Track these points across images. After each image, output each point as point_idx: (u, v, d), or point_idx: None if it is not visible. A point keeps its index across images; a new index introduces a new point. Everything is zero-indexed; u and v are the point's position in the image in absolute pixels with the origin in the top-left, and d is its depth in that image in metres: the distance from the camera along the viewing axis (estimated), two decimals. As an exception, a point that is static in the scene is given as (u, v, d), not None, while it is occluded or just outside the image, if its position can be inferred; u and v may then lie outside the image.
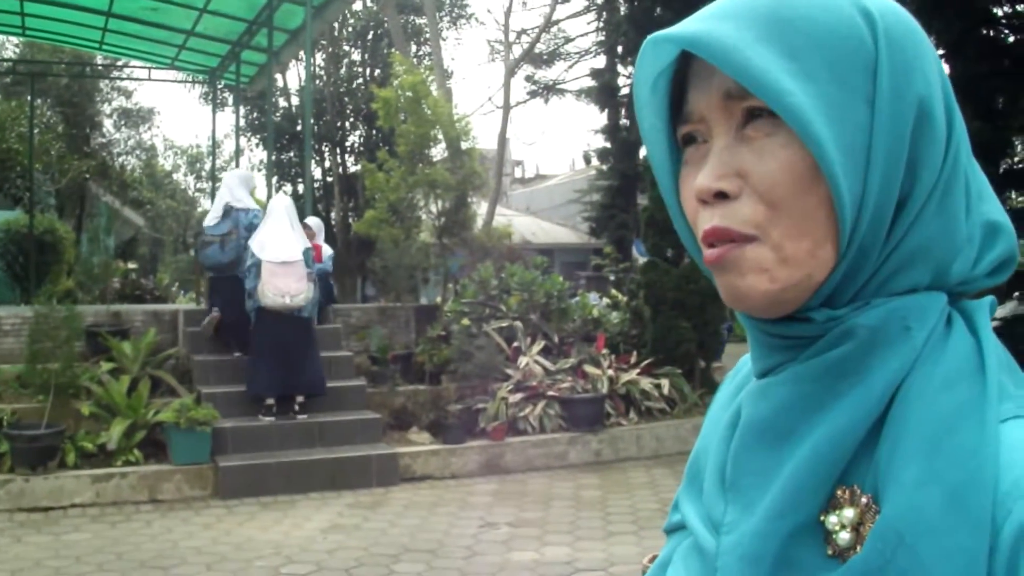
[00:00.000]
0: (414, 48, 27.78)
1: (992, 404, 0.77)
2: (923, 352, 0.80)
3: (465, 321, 11.55)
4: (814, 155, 0.79)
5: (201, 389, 10.30)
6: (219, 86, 21.16)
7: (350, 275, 26.18)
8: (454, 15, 30.69)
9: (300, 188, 26.68)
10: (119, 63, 22.68)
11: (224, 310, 10.82)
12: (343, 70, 29.13)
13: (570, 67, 39.80)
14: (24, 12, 14.97)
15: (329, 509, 8.78)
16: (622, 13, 25.46)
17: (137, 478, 9.01)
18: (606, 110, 28.31)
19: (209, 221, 10.93)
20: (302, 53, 15.58)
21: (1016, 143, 20.30)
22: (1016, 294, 16.38)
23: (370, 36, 28.74)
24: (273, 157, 21.16)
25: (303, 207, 13.22)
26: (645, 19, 21.43)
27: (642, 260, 14.84)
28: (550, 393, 10.83)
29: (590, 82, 29.49)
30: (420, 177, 13.48)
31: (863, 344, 0.81)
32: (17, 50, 25.32)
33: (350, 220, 25.89)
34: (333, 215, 28.13)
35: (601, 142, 29.46)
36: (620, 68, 27.71)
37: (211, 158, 24.10)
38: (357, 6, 28.26)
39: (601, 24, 29.31)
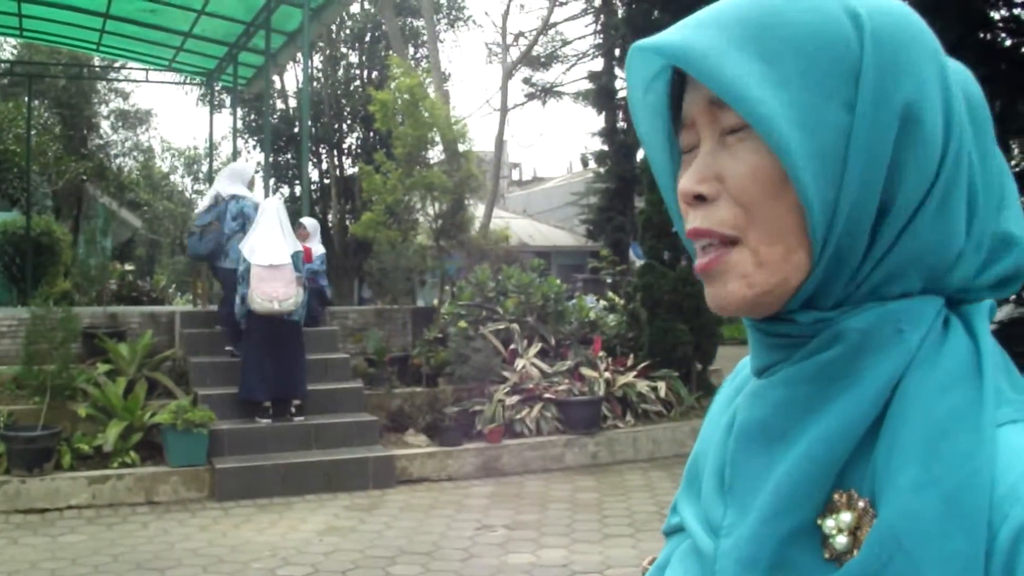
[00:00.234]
0: (412, 50, 27.77)
1: (989, 408, 0.77)
2: (919, 355, 0.80)
3: (462, 323, 11.56)
4: (782, 162, 0.79)
5: (198, 391, 10.29)
6: (216, 88, 21.15)
7: (347, 277, 26.18)
8: (452, 17, 30.70)
9: (297, 190, 26.75)
10: (116, 65, 22.63)
11: (222, 300, 11.06)
12: (340, 72, 29.12)
13: (567, 70, 39.81)
14: (22, 13, 14.95)
15: (325, 511, 8.77)
16: (619, 16, 25.45)
17: (133, 480, 9.00)
18: (603, 113, 28.34)
19: (197, 212, 11.07)
20: (299, 55, 15.61)
21: (1013, 146, 20.32)
22: (1012, 297, 16.39)
23: (368, 38, 28.73)
24: (270, 159, 21.13)
25: (300, 209, 13.24)
26: (643, 22, 21.40)
27: (639, 263, 14.85)
28: (547, 395, 10.82)
29: (587, 85, 29.53)
30: (417, 179, 13.49)
31: (853, 347, 0.81)
32: (14, 51, 25.32)
33: (347, 222, 25.87)
34: (330, 217, 28.12)
35: (598, 145, 29.50)
36: (618, 71, 27.72)
37: (208, 160, 24.07)
38: (355, 8, 28.26)
39: (599, 27, 29.35)
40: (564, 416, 10.77)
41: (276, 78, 26.47)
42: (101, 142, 29.91)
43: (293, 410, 10.17)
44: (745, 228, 0.82)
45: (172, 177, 36.64)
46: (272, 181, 24.32)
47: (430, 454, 10.07)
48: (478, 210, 19.53)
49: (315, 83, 27.41)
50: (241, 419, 10.00)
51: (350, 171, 28.00)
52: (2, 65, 24.68)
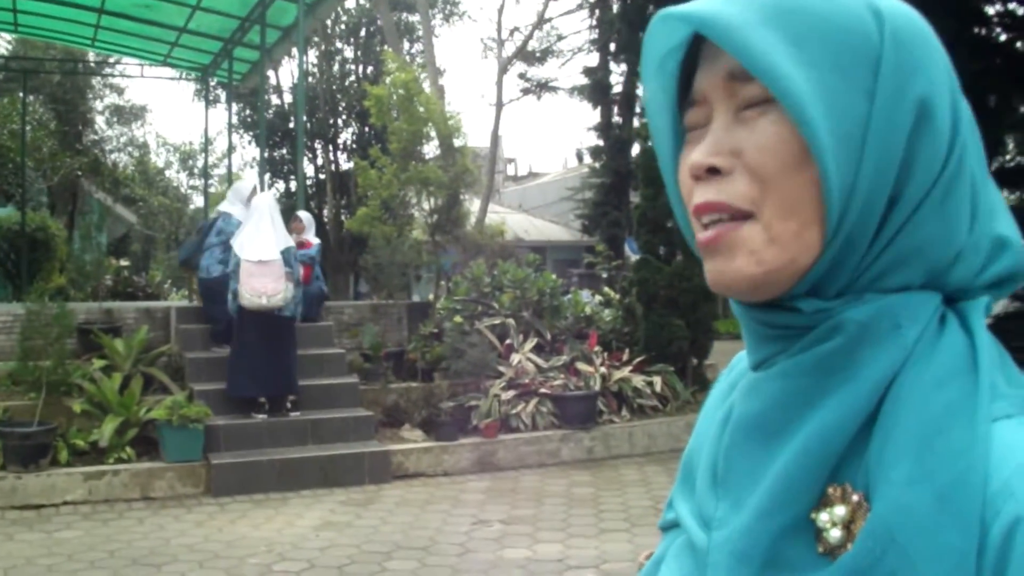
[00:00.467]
0: (407, 45, 27.74)
1: (983, 403, 0.77)
2: (914, 351, 0.80)
3: (458, 318, 11.57)
4: (805, 137, 0.79)
5: (193, 386, 10.29)
6: (212, 83, 21.16)
7: (342, 272, 26.17)
8: (447, 12, 30.65)
9: (292, 185, 26.67)
10: (111, 60, 22.61)
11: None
12: (336, 67, 29.08)
13: (563, 64, 39.89)
14: (16, 8, 14.93)
15: (321, 506, 8.78)
16: (615, 11, 25.44)
17: (129, 476, 9.00)
18: (599, 108, 28.29)
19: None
20: (295, 50, 15.60)
21: (1008, 141, 20.33)
22: (1008, 292, 16.40)
23: (363, 33, 28.70)
24: (265, 154, 21.09)
25: (295, 204, 13.23)
26: (638, 16, 21.39)
27: (634, 258, 14.85)
28: (542, 390, 10.83)
29: (583, 80, 29.48)
30: (413, 174, 13.48)
31: (852, 339, 0.81)
32: (9, 47, 25.22)
33: (343, 217, 25.87)
34: (326, 212, 28.09)
35: (594, 140, 29.45)
36: (613, 66, 27.70)
37: (203, 155, 24.07)
38: (350, 3, 28.26)
39: (594, 21, 29.29)
40: (560, 411, 10.78)
41: (271, 73, 26.46)
42: (96, 137, 29.81)
43: (289, 405, 10.17)
44: (760, 202, 0.82)
45: (167, 173, 36.50)
46: (267, 176, 24.30)
47: (426, 449, 10.07)
48: (473, 205, 19.57)
49: (310, 78, 27.38)
50: (237, 415, 9.99)
51: (345, 166, 27.98)
52: (-3, 60, 24.65)
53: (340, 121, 28.96)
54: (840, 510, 0.79)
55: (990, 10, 18.31)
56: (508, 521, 8.22)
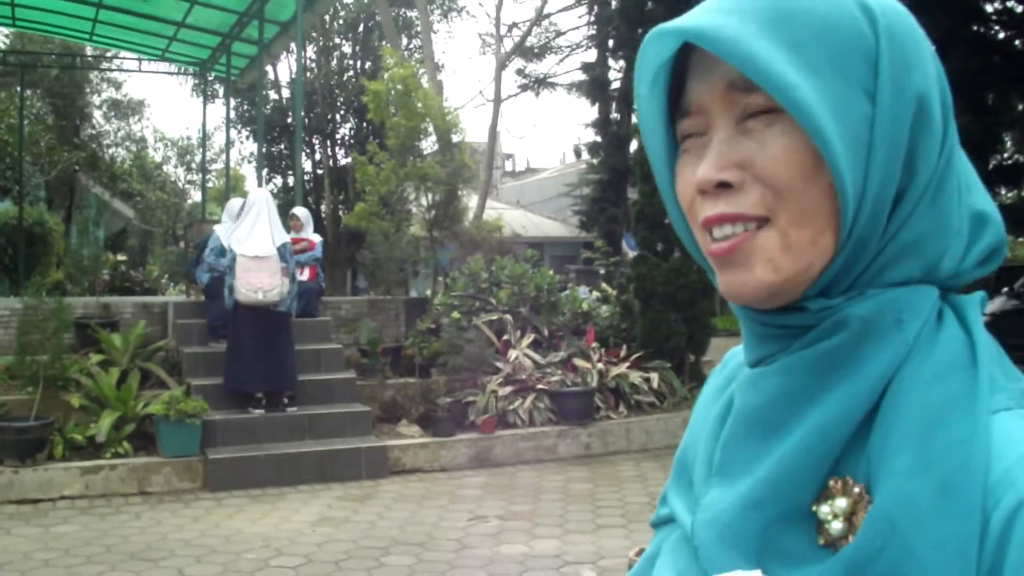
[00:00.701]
0: (405, 41, 27.70)
1: (983, 396, 0.78)
2: (915, 345, 0.81)
3: (455, 314, 11.56)
4: (819, 148, 0.79)
5: (191, 381, 10.29)
6: (210, 78, 21.12)
7: (340, 267, 26.16)
8: (445, 8, 30.62)
9: (290, 180, 26.66)
10: (109, 54, 22.56)
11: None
12: (334, 63, 29.04)
13: (561, 61, 39.88)
14: (14, 3, 14.93)
15: (318, 502, 8.78)
16: (613, 7, 25.41)
17: (126, 470, 9.00)
18: (597, 104, 28.25)
19: None
20: (293, 45, 15.59)
21: (1006, 139, 20.34)
22: (1005, 289, 16.46)
23: (361, 29, 28.66)
24: (263, 149, 21.11)
25: (293, 199, 13.24)
26: (636, 13, 21.37)
27: (632, 254, 14.87)
28: (540, 386, 10.84)
29: (581, 76, 29.45)
30: (411, 170, 13.47)
31: (856, 335, 0.82)
32: (7, 41, 25.21)
33: (340, 213, 25.83)
34: (323, 207, 28.07)
35: (592, 136, 29.40)
36: (611, 62, 27.67)
37: (201, 150, 24.04)
38: (348, -2, 28.21)
39: (592, 18, 29.25)
40: (557, 407, 10.79)
41: (269, 68, 26.43)
42: (94, 132, 29.81)
43: (286, 401, 10.18)
44: (776, 210, 0.82)
45: (165, 167, 36.43)
46: (265, 172, 24.31)
47: (423, 445, 10.08)
48: (471, 201, 19.55)
49: (308, 73, 27.34)
50: (234, 409, 10.00)
51: (343, 162, 27.95)
52: (-6, 55, 24.63)
53: (338, 116, 28.93)
54: (841, 502, 0.80)
55: (988, 8, 18.32)
56: (505, 517, 8.23)
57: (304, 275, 11.48)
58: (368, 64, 27.82)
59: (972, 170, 0.89)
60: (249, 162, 31.01)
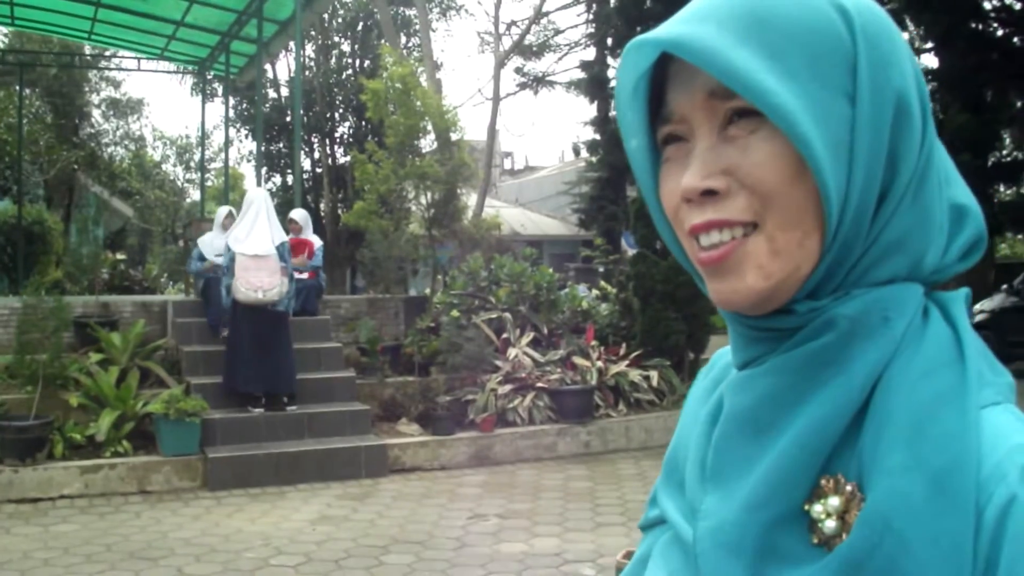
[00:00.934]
0: (404, 39, 27.67)
1: (973, 391, 0.79)
2: (902, 342, 0.81)
3: (454, 312, 11.56)
4: (802, 153, 0.79)
5: (190, 380, 10.29)
6: (208, 77, 21.11)
7: (339, 266, 26.14)
8: (444, 6, 30.58)
9: (289, 179, 26.64)
10: (108, 53, 22.55)
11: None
12: (333, 61, 29.01)
13: (560, 59, 39.83)
14: (13, 2, 14.93)
15: (318, 500, 8.78)
16: (612, 5, 25.43)
17: (126, 469, 9.00)
18: (595, 102, 28.29)
19: None
20: (292, 44, 15.56)
21: (1004, 136, 20.35)
22: (1004, 287, 16.46)
23: (360, 27, 28.64)
24: (262, 148, 21.08)
25: (292, 198, 13.24)
26: (635, 11, 21.39)
27: (631, 252, 14.86)
28: (539, 385, 10.84)
29: (580, 74, 29.47)
30: (410, 169, 13.46)
31: (844, 334, 0.82)
32: (6, 40, 25.20)
33: (339, 211, 25.82)
34: (322, 206, 28.06)
35: (590, 134, 29.45)
36: (610, 60, 27.71)
37: (200, 149, 24.04)
38: (346, -3, 28.20)
39: (591, 16, 29.27)
40: (557, 405, 10.79)
41: (268, 67, 26.40)
42: (93, 131, 29.78)
43: (285, 400, 10.18)
44: (763, 214, 0.82)
45: (164, 166, 36.40)
46: (264, 170, 24.30)
47: (422, 443, 10.08)
48: (470, 199, 19.53)
49: (307, 72, 27.30)
50: (234, 408, 10.00)
51: (342, 160, 27.93)
52: (-7, 54, 24.62)
53: (337, 115, 28.91)
54: (834, 501, 0.80)
55: (987, 5, 18.33)
56: (505, 515, 8.23)
57: (304, 273, 11.51)
58: (367, 63, 27.80)
59: (951, 164, 0.90)
60: (248, 161, 30.98)
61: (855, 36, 0.81)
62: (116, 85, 30.83)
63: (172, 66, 20.76)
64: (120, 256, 24.04)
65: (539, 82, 32.23)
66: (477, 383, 10.86)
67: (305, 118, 25.87)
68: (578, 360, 11.30)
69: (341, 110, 28.76)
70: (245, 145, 30.05)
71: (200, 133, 24.07)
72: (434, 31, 29.09)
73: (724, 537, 0.84)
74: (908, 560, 0.74)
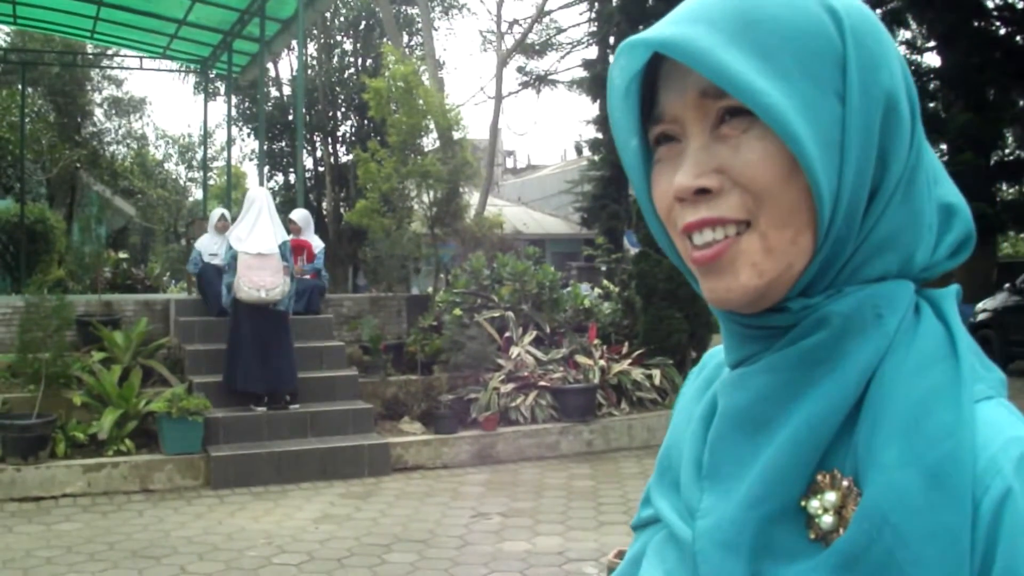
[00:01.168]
0: (406, 38, 27.68)
1: (967, 385, 0.80)
2: (896, 339, 0.82)
3: (457, 311, 11.56)
4: (794, 152, 0.80)
5: (193, 379, 10.29)
6: (211, 75, 21.12)
7: (342, 265, 26.16)
8: (446, 5, 30.61)
9: (292, 177, 26.67)
10: (110, 52, 22.57)
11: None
12: (335, 60, 29.04)
13: (562, 58, 39.85)
14: (15, 1, 14.92)
15: (321, 499, 8.78)
16: (614, 3, 25.45)
17: (128, 468, 9.00)
18: (598, 101, 28.30)
19: None
20: (294, 43, 15.61)
21: (1007, 135, 20.34)
22: (1006, 286, 16.43)
23: (362, 26, 28.65)
24: (265, 147, 21.10)
25: (295, 197, 13.25)
26: (637, 10, 21.41)
27: (633, 251, 14.87)
28: (542, 383, 10.84)
29: (582, 73, 29.49)
30: (412, 167, 13.47)
31: (837, 331, 0.83)
32: (8, 39, 25.22)
33: (342, 210, 25.85)
34: (325, 205, 28.09)
35: (593, 133, 29.49)
36: (612, 59, 27.71)
37: (202, 147, 24.06)
38: (349, -5, 28.20)
39: (593, 15, 29.30)
40: (559, 404, 10.79)
41: (270, 66, 26.44)
42: (95, 130, 29.84)
43: (288, 398, 10.18)
44: (756, 213, 0.83)
45: (166, 165, 36.49)
46: (266, 169, 24.30)
47: (425, 442, 10.09)
48: (472, 198, 19.54)
49: (309, 71, 27.34)
50: (236, 407, 10.00)
51: (344, 159, 27.96)
52: (-4, 53, 24.63)
53: (339, 114, 28.94)
54: (831, 496, 0.81)
55: (990, 4, 18.32)
56: (507, 514, 8.23)
57: (305, 275, 11.53)
58: (369, 61, 27.83)
59: (939, 163, 0.90)
60: (250, 159, 31.02)
61: (844, 36, 0.82)
62: (118, 84, 30.93)
63: (174, 65, 20.76)
64: (122, 255, 24.03)
65: (541, 81, 32.27)
66: (480, 382, 10.86)
67: (307, 117, 25.91)
68: (581, 359, 11.30)
69: (343, 109, 28.80)
70: (247, 144, 30.12)
71: (202, 132, 24.10)
72: (436, 30, 29.13)
73: (722, 535, 0.85)
74: (905, 554, 0.75)
